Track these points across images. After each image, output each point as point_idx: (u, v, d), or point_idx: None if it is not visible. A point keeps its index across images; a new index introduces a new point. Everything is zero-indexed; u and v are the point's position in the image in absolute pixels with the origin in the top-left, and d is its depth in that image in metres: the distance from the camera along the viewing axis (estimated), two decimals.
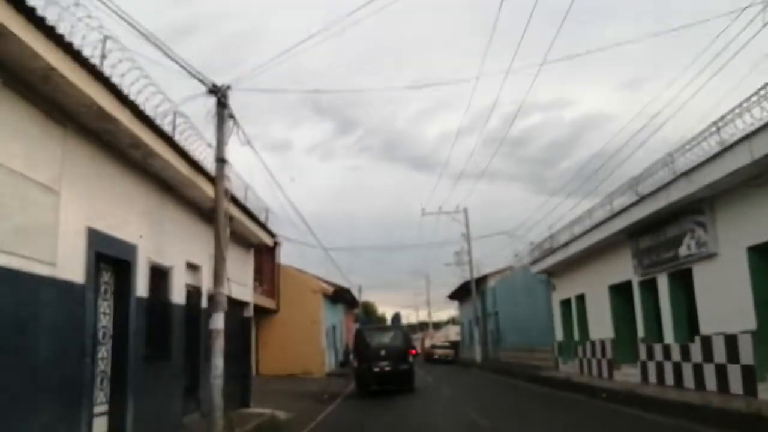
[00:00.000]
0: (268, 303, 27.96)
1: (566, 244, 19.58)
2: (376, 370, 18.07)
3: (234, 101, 9.35)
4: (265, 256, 28.68)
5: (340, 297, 36.32)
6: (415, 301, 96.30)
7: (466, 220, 38.73)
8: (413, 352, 20.48)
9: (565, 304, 22.42)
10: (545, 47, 35.10)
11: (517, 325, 30.31)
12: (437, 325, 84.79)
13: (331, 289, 30.47)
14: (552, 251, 21.29)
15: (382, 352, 18.40)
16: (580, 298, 20.67)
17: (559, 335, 23.07)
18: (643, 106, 46.81)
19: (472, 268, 38.55)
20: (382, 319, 79.14)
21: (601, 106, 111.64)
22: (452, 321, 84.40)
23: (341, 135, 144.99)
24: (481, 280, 40.01)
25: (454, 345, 48.99)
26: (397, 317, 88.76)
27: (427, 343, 71.09)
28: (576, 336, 21.13)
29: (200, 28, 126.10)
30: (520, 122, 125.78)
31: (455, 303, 67.38)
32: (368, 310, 76.16)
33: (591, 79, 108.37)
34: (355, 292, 48.66)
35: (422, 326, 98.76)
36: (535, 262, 23.72)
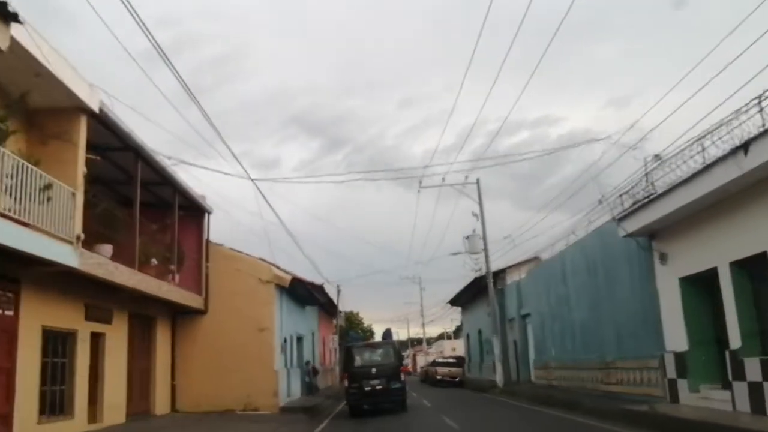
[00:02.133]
0: (190, 300, 17.74)
1: (734, 151, 9.53)
2: (368, 388, 17.83)
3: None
4: (185, 227, 18.48)
5: (309, 297, 25.87)
6: (405, 312, 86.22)
7: (479, 193, 28.68)
8: (405, 369, 20.67)
9: (696, 283, 12.39)
10: (533, 64, 26.64)
11: (569, 330, 20.16)
12: (428, 341, 75.44)
13: (288, 278, 20.06)
14: (684, 181, 11.20)
15: (374, 370, 18.14)
16: (746, 266, 10.66)
17: (680, 341, 12.93)
18: (631, 124, 39.54)
19: (488, 256, 28.36)
20: (368, 331, 68.75)
21: (588, 124, 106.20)
22: (445, 335, 75.25)
23: (328, 152, 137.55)
24: (497, 276, 29.78)
25: (460, 362, 38.54)
26: (388, 333, 78.81)
27: (422, 361, 60.77)
28: (736, 340, 11.01)
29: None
30: (507, 139, 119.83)
31: (451, 316, 57.69)
32: (352, 320, 65.43)
33: (578, 97, 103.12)
34: (333, 295, 38.18)
35: (413, 342, 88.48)
36: (629, 214, 13.59)
